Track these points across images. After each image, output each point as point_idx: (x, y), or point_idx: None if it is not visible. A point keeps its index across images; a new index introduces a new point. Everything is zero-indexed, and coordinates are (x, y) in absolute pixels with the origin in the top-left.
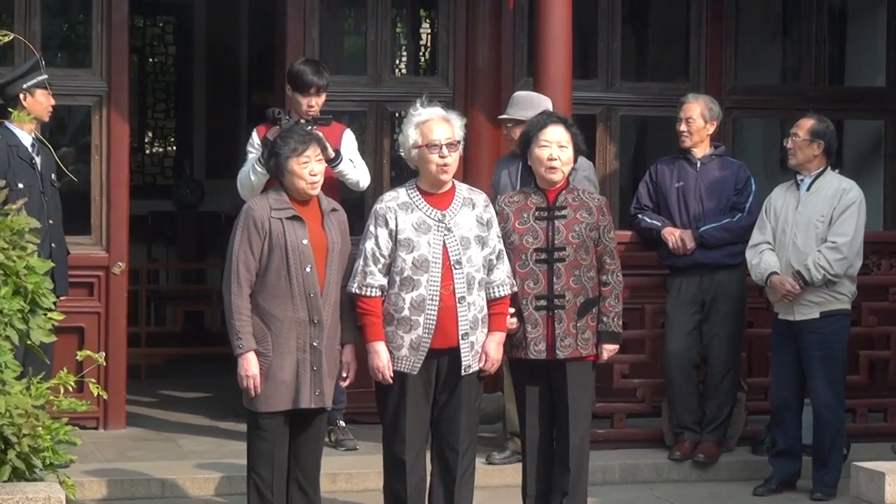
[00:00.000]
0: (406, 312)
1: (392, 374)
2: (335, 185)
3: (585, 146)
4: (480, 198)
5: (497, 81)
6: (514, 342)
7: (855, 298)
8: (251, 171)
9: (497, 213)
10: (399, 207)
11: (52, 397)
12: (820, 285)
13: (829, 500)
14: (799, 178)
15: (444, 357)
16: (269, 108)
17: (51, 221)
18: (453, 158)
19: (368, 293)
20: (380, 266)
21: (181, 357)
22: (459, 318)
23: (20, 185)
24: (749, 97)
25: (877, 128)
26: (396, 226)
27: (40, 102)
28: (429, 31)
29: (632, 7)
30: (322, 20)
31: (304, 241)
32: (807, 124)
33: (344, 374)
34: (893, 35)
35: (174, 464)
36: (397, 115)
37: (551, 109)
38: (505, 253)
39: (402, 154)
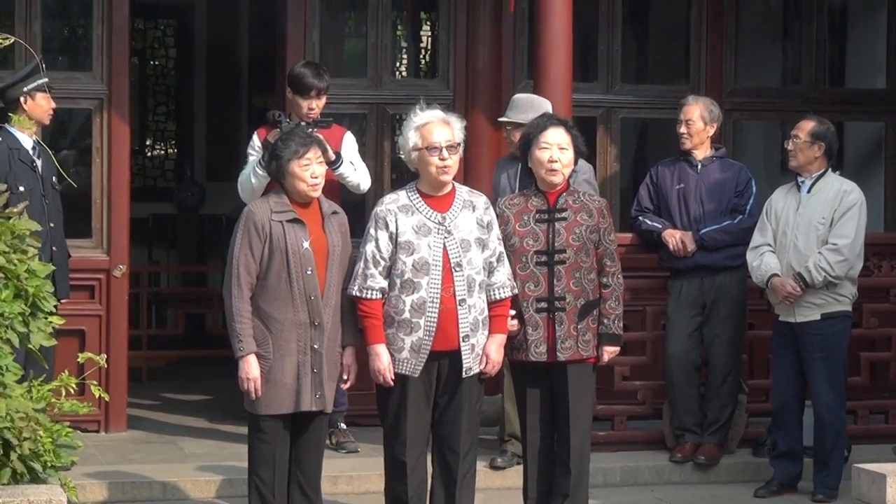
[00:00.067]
0: (406, 315)
1: (393, 377)
2: (336, 188)
3: (586, 148)
4: (481, 200)
5: (497, 84)
6: (514, 344)
7: (856, 300)
8: (252, 174)
9: (497, 216)
10: (399, 210)
11: (53, 399)
12: (821, 287)
13: (830, 502)
14: (800, 179)
15: (444, 359)
16: (270, 111)
17: (52, 224)
18: (453, 161)
19: (369, 296)
20: (380, 269)
21: (182, 360)
22: (460, 321)
23: (21, 189)
24: (749, 99)
25: (877, 129)
26: (396, 228)
27: (41, 106)
28: (429, 33)
29: (632, 9)
30: (322, 23)
31: (305, 244)
32: (807, 126)
33: (345, 377)
34: (894, 37)
35: (175, 466)
36: (398, 117)
37: (551, 112)
38: (505, 255)
39: (402, 157)
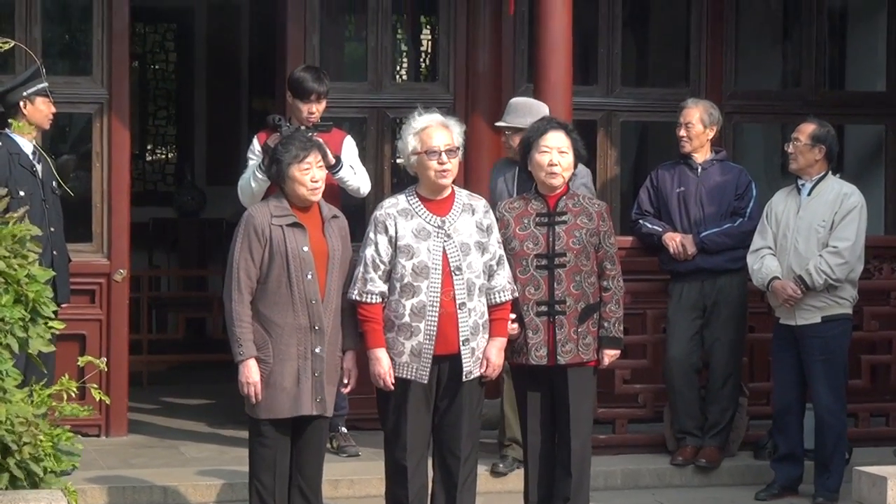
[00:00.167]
0: (406, 319)
1: (393, 381)
2: (336, 192)
3: (586, 152)
4: (480, 203)
5: (498, 87)
6: (515, 348)
7: (856, 303)
8: (252, 178)
9: (497, 219)
10: (399, 214)
11: (53, 404)
12: (821, 290)
13: None
14: (800, 182)
15: (445, 363)
16: (270, 115)
17: (52, 229)
18: (452, 164)
19: (369, 300)
20: (380, 273)
21: (183, 364)
22: (460, 324)
23: (21, 193)
24: (750, 102)
25: (877, 132)
26: (396, 232)
27: (41, 110)
28: (429, 37)
29: (632, 12)
30: (322, 26)
31: (305, 248)
32: (808, 129)
33: (345, 381)
34: (894, 39)
35: (176, 471)
36: (398, 121)
37: (549, 115)
38: (505, 258)
39: (402, 161)
